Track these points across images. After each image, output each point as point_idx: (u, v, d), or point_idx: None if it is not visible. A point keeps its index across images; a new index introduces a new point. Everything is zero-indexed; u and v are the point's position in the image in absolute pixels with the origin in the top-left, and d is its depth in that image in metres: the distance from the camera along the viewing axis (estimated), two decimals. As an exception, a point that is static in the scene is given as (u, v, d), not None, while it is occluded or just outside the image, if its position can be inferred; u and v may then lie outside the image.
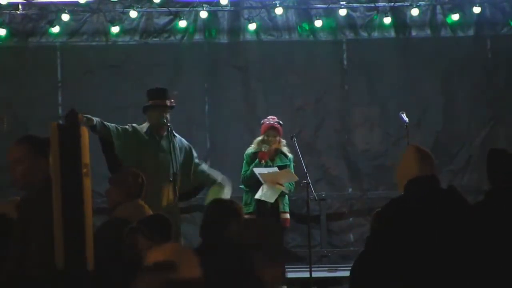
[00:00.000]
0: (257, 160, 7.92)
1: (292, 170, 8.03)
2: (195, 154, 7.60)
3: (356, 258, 4.67)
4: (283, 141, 8.10)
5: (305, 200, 8.17)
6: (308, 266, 8.19)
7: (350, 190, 9.93)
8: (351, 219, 9.83)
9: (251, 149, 8.07)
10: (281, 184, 7.82)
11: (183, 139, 7.58)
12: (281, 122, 8.13)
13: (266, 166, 7.91)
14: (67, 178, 3.49)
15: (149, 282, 2.67)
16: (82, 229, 3.46)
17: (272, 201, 7.75)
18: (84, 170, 3.52)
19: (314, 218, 9.34)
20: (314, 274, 8.28)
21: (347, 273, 8.59)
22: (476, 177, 9.67)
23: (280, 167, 7.94)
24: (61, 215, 3.48)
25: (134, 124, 7.50)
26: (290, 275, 8.49)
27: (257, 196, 7.74)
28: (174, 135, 7.44)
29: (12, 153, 4.18)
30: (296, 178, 7.95)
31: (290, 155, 8.09)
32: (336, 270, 9.16)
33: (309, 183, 8.03)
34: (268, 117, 8.20)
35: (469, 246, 4.14)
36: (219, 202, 5.07)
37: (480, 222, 4.31)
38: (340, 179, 9.90)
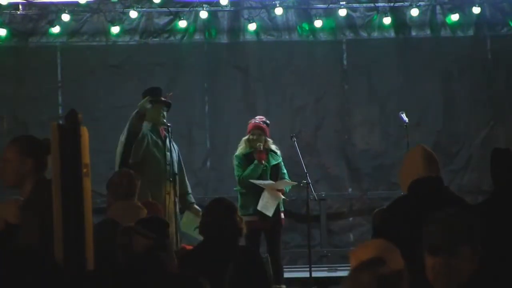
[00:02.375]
0: (255, 161, 7.84)
1: (283, 166, 7.99)
2: (180, 157, 7.76)
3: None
4: (270, 140, 8.00)
5: (305, 200, 8.16)
6: (308, 266, 8.18)
7: (350, 190, 9.93)
8: (351, 219, 9.83)
9: (241, 150, 7.95)
10: (280, 190, 7.80)
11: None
12: (268, 121, 8.04)
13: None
14: (67, 178, 3.50)
15: (361, 280, 2.73)
16: (82, 229, 3.47)
17: (271, 214, 7.69)
18: (84, 170, 3.52)
19: (314, 218, 9.34)
20: (314, 274, 8.27)
21: (347, 273, 8.61)
22: (476, 177, 9.67)
23: (274, 166, 7.89)
24: (61, 215, 3.49)
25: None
26: (290, 275, 8.50)
27: (258, 207, 7.70)
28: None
29: (3, 153, 4.28)
30: (294, 183, 7.93)
31: (278, 152, 8.04)
32: (336, 270, 9.16)
33: (309, 183, 8.02)
34: (255, 117, 8.11)
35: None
36: (219, 200, 5.08)
37: (484, 221, 4.30)
38: (340, 179, 9.90)
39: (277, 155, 7.99)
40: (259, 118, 8.07)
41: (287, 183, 7.89)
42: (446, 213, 3.14)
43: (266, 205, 7.71)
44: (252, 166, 7.81)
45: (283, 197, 7.82)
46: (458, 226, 3.09)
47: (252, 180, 7.75)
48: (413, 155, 4.40)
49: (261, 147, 7.86)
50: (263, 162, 7.85)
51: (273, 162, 7.91)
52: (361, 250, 2.89)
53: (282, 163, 8.03)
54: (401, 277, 2.77)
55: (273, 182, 7.81)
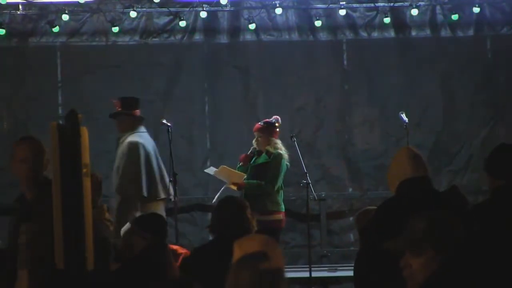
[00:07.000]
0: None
1: (282, 166, 7.69)
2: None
3: (356, 259, 4.66)
4: (275, 140, 7.82)
5: (305, 200, 8.15)
6: (308, 266, 8.18)
7: (350, 190, 9.92)
8: (351, 219, 9.82)
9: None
10: (235, 184, 7.73)
11: None
12: (271, 121, 7.84)
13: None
14: (67, 178, 3.50)
15: (243, 273, 2.80)
16: (82, 229, 3.47)
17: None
18: (84, 170, 3.52)
19: (314, 218, 9.34)
20: (314, 274, 8.28)
21: (347, 273, 8.62)
22: (476, 177, 9.66)
23: (257, 166, 7.74)
24: (61, 215, 3.49)
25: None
26: (290, 275, 8.49)
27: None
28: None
29: (17, 153, 4.26)
30: (243, 175, 7.70)
31: (276, 151, 7.71)
32: (336, 270, 9.17)
33: (309, 183, 7.99)
34: (273, 117, 8.00)
35: (469, 245, 4.12)
36: (230, 198, 5.09)
37: (491, 219, 4.29)
38: (340, 179, 9.90)
39: (270, 155, 7.71)
40: (274, 118, 7.93)
41: (232, 173, 7.74)
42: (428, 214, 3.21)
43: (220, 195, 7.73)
44: (238, 167, 7.91)
45: (234, 188, 7.73)
46: (421, 227, 3.14)
47: (205, 170, 8.05)
48: (399, 157, 4.42)
49: (255, 149, 7.86)
50: (240, 164, 7.88)
51: (258, 162, 7.83)
52: (247, 243, 2.95)
53: (279, 164, 7.69)
54: (281, 275, 2.83)
55: (215, 169, 7.88)
